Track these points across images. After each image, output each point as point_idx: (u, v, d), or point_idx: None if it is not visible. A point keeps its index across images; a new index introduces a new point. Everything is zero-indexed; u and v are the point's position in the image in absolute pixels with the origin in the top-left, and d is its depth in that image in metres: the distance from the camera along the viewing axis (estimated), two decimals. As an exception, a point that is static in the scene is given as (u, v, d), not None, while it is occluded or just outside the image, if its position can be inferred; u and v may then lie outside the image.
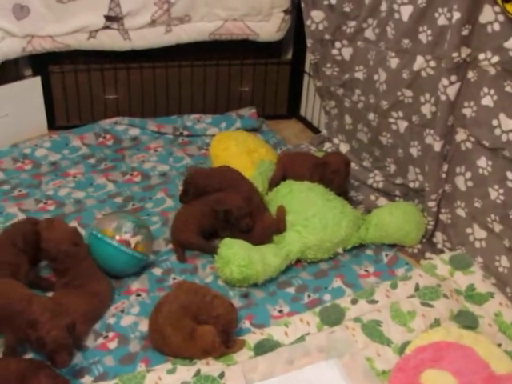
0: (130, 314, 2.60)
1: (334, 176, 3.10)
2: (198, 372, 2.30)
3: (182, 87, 3.90)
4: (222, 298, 2.46)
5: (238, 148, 3.39)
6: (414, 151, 3.08)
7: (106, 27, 3.62)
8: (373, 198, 3.33)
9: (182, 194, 3.07)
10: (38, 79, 3.73)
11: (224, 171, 3.10)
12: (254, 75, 3.97)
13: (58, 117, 3.85)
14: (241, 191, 2.96)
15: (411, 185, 3.17)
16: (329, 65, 3.46)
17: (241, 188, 3.00)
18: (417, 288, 2.69)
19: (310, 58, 3.61)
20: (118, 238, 2.67)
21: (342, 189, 3.12)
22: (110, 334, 2.51)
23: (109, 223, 2.73)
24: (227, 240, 2.79)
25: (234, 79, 3.95)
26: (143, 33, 3.68)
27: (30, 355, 2.39)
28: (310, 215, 2.88)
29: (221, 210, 2.87)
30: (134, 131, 3.78)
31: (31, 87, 3.72)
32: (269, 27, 3.78)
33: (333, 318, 2.55)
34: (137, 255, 2.70)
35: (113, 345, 2.46)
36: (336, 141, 3.65)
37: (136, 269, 2.77)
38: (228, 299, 2.49)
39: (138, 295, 2.69)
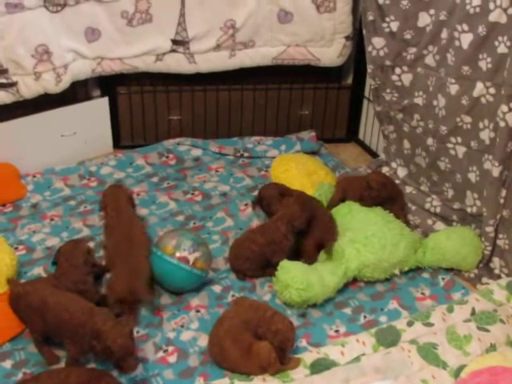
0: (189, 329, 2.68)
1: (379, 191, 3.16)
2: (255, 388, 2.36)
3: (244, 110, 3.99)
4: (282, 315, 2.53)
5: (298, 170, 3.45)
6: (472, 176, 3.09)
7: (173, 51, 3.74)
8: (430, 222, 3.34)
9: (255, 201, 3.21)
10: (105, 100, 3.87)
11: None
12: (315, 99, 4.04)
13: (124, 136, 3.98)
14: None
15: (469, 210, 3.17)
16: (388, 90, 3.50)
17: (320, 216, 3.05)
18: (473, 312, 2.69)
19: (370, 83, 3.65)
20: (177, 255, 2.75)
21: (396, 208, 3.19)
22: (170, 348, 2.58)
23: (169, 240, 2.81)
24: (285, 263, 2.84)
25: (294, 103, 4.03)
26: (208, 56, 3.79)
27: (92, 364, 2.48)
28: (370, 234, 2.92)
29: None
30: (196, 152, 3.88)
31: (99, 107, 3.87)
32: (330, 53, 3.85)
33: (389, 339, 2.58)
34: (195, 272, 2.77)
35: (172, 359, 2.54)
36: (394, 165, 3.68)
37: (195, 285, 2.85)
38: (287, 317, 2.55)
39: (198, 311, 2.77)
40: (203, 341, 2.59)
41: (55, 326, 2.47)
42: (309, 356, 2.50)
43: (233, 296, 2.84)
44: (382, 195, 3.16)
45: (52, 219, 3.32)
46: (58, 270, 2.74)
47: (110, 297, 2.69)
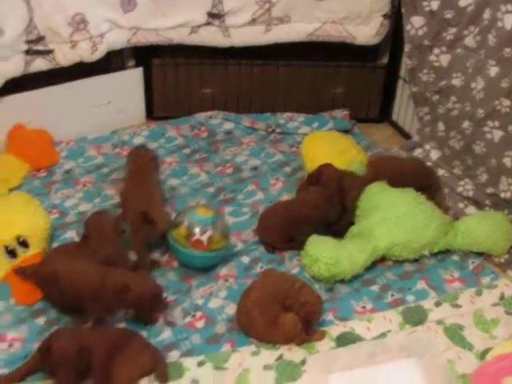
0: (217, 297, 2.70)
1: (412, 179, 3.15)
2: (281, 357, 2.38)
3: (278, 85, 3.97)
4: (310, 287, 2.54)
5: (330, 148, 3.44)
6: (507, 161, 3.06)
7: (208, 23, 3.73)
8: (461, 205, 3.31)
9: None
10: (140, 70, 3.88)
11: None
12: (349, 78, 4.01)
13: (157, 107, 3.99)
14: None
15: (502, 195, 3.14)
16: (425, 71, 3.47)
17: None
18: (502, 297, 2.69)
19: (406, 63, 3.62)
20: (192, 239, 2.75)
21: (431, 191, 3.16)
22: (198, 314, 2.61)
23: (180, 223, 2.80)
24: (314, 237, 2.85)
25: (328, 80, 4.00)
26: (243, 31, 3.78)
27: (122, 324, 2.53)
28: (401, 213, 2.91)
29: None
30: (229, 125, 3.89)
31: (133, 77, 3.88)
32: (367, 31, 3.82)
33: (415, 318, 2.59)
34: (209, 255, 2.78)
35: (200, 324, 2.57)
36: (427, 147, 3.65)
37: (216, 262, 2.85)
38: (315, 290, 2.56)
39: (226, 280, 2.79)
40: (231, 309, 2.61)
41: (73, 295, 2.52)
42: (335, 329, 2.52)
43: (261, 268, 2.86)
44: (415, 183, 3.13)
45: (85, 185, 3.36)
46: (90, 244, 2.76)
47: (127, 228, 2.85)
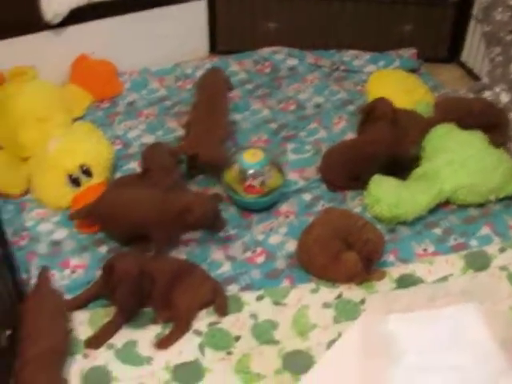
0: (278, 233, 2.70)
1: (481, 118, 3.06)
2: (340, 295, 2.39)
3: (344, 22, 3.87)
4: (373, 225, 2.51)
5: (397, 87, 3.36)
6: None
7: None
8: (531, 149, 3.21)
9: None
10: (203, 3, 3.81)
11: None
12: (417, 15, 3.86)
13: (220, 41, 3.94)
14: None
15: None
16: (500, 9, 3.33)
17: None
18: None
19: (479, 0, 3.47)
20: (243, 185, 2.74)
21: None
22: (258, 249, 2.62)
23: (233, 165, 2.79)
24: (377, 177, 2.80)
25: (396, 18, 3.86)
26: (311, -36, 3.68)
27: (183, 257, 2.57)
28: (468, 155, 2.83)
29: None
30: (292, 61, 3.81)
31: (197, 10, 3.82)
32: (438, -35, 3.67)
33: (478, 263, 2.54)
34: (261, 200, 2.77)
35: (260, 259, 2.58)
36: (497, 89, 3.52)
37: (271, 203, 2.83)
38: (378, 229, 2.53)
39: (287, 217, 2.78)
40: (291, 245, 2.61)
41: (133, 225, 2.56)
42: (395, 271, 2.51)
43: (322, 206, 2.83)
44: (484, 122, 3.04)
45: (147, 117, 3.36)
46: (150, 177, 2.77)
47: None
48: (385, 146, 2.87)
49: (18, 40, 3.35)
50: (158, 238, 2.55)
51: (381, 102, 3.07)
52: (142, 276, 2.27)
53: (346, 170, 2.91)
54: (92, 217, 2.66)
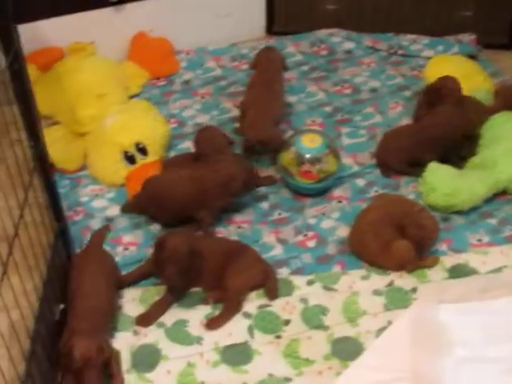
0: (330, 218, 2.69)
1: None
2: (391, 283, 2.37)
3: (403, 5, 3.80)
4: (429, 212, 2.49)
5: (455, 72, 3.26)
6: None
7: None
8: None
9: None
10: (262, -17, 3.80)
11: None
12: (479, 1, 3.78)
13: (277, 22, 3.92)
14: None
15: None
16: None
17: None
18: None
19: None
20: (299, 170, 2.72)
21: None
22: (310, 234, 2.61)
23: (289, 148, 2.76)
24: (433, 165, 2.74)
25: (457, 3, 3.79)
26: None
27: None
28: (528, 145, 2.77)
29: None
30: (349, 44, 3.77)
31: (255, -10, 3.81)
32: None
33: (534, 255, 2.49)
34: (315, 186, 2.75)
35: (311, 244, 2.57)
36: (561, 77, 3.44)
37: (326, 188, 2.81)
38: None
39: (340, 202, 2.77)
40: (343, 231, 2.60)
41: (177, 209, 2.59)
42: (449, 260, 2.48)
43: (375, 192, 2.81)
44: None
45: (203, 97, 3.38)
46: (204, 159, 2.78)
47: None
48: (452, 128, 2.84)
49: (78, 16, 3.39)
50: (202, 217, 2.57)
51: (449, 80, 3.02)
52: (192, 255, 2.28)
53: (407, 155, 2.87)
54: (139, 207, 2.68)
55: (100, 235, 2.56)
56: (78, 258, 2.36)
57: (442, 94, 2.98)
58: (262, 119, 2.91)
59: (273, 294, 2.32)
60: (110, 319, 2.21)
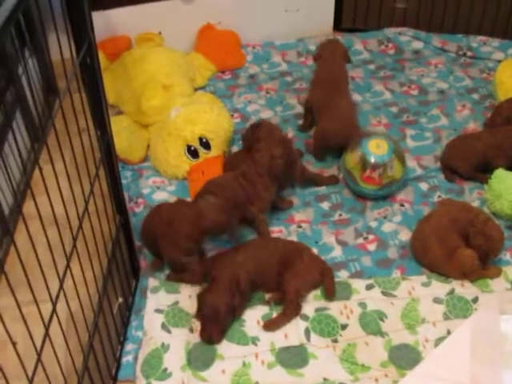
0: (391, 221, 2.65)
1: None
2: (452, 291, 2.32)
3: (475, 5, 3.70)
4: (495, 222, 2.43)
5: (526, 77, 3.21)
6: None
7: None
8: None
9: None
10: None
11: None
12: (554, 2, 3.68)
13: (345, 18, 3.88)
14: None
15: None
16: None
17: None
18: None
19: None
20: (363, 175, 2.67)
21: None
22: (370, 237, 2.59)
23: (354, 157, 2.71)
24: (500, 172, 2.67)
25: (531, 4, 3.70)
26: None
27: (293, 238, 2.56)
28: None
29: None
30: (417, 44, 3.71)
31: (325, -14, 3.77)
32: None
33: None
34: (377, 193, 2.70)
35: (372, 247, 2.55)
36: None
37: (389, 194, 2.76)
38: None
39: (402, 205, 2.73)
40: (404, 235, 2.57)
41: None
42: (512, 270, 2.41)
43: (439, 197, 2.76)
44: None
45: (268, 92, 3.37)
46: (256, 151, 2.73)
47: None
48: None
49: (147, 6, 3.42)
50: (254, 214, 2.53)
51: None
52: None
53: (478, 159, 2.81)
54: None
55: None
56: None
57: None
58: (339, 120, 2.86)
59: (331, 293, 2.29)
60: None
